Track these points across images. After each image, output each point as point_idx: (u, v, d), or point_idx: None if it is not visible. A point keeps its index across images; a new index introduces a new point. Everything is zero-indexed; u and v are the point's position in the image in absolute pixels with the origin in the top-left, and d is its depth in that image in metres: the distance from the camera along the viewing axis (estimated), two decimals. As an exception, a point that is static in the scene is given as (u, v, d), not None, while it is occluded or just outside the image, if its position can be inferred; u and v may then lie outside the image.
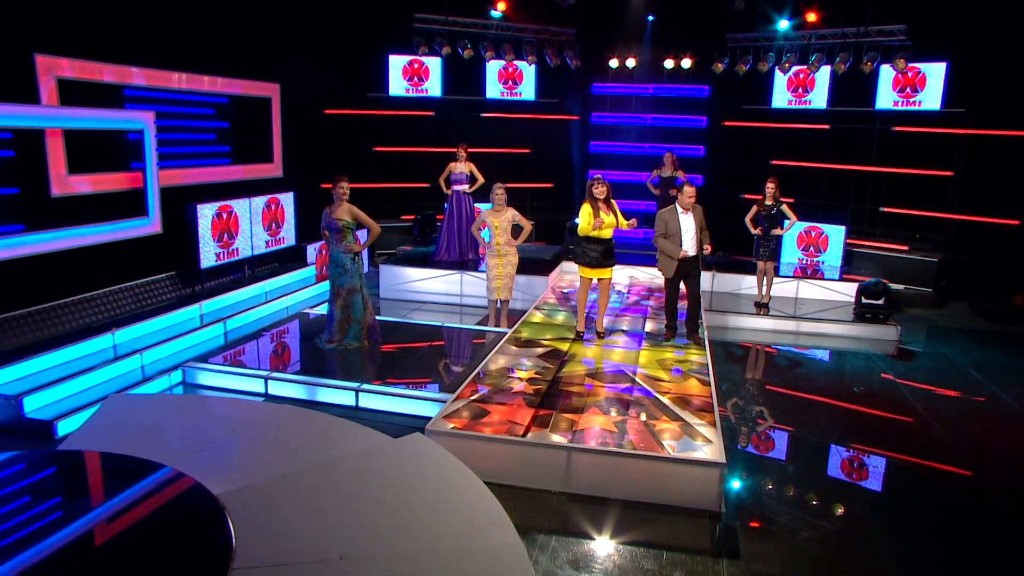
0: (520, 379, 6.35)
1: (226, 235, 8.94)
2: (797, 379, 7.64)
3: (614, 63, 13.59)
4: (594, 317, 7.77)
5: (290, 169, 11.07)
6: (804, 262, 11.70)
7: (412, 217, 12.76)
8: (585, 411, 5.62)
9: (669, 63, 13.31)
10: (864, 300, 9.11)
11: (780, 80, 12.73)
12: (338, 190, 7.05)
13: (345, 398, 6.29)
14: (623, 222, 7.35)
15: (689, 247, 7.32)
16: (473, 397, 5.84)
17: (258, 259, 9.81)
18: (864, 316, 9.06)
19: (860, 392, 7.20)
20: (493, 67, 13.74)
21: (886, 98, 11.69)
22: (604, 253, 7.29)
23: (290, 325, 8.24)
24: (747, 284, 10.35)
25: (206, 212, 8.59)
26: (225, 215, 8.89)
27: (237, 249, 9.21)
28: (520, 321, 8.23)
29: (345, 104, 12.88)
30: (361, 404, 6.25)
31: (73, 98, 7.21)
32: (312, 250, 10.62)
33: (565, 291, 9.89)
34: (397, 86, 13.40)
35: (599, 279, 7.46)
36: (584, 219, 7.21)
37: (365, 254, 11.81)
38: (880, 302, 9.01)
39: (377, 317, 7.70)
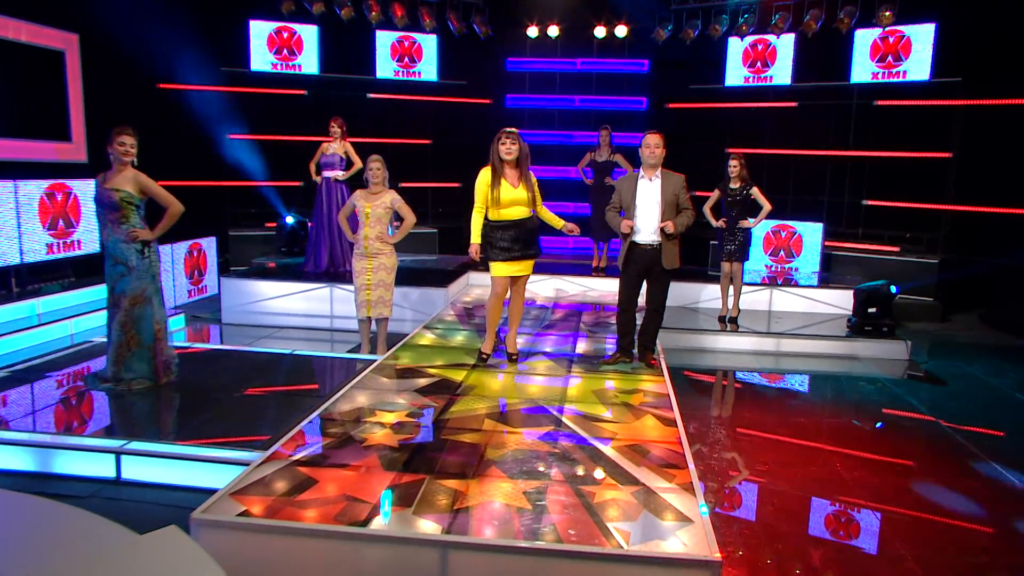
0: (382, 425, 4.36)
1: (-31, 231, 6.71)
2: (797, 415, 5.91)
3: (533, 32, 12.15)
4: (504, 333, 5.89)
5: (100, 153, 8.84)
6: (773, 269, 10.17)
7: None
8: (478, 474, 3.67)
9: (600, 31, 11.91)
10: (870, 308, 7.63)
11: (735, 53, 11.47)
12: (116, 147, 5.11)
13: (100, 466, 4.35)
14: (552, 217, 5.53)
15: (646, 229, 5.48)
16: (295, 457, 3.83)
17: (33, 269, 7.60)
18: (881, 329, 7.52)
19: (884, 432, 5.52)
20: (385, 40, 12.13)
21: (863, 69, 10.53)
22: (520, 240, 5.40)
23: (68, 359, 6.03)
24: (708, 295, 8.71)
25: (-73, 193, 6.35)
26: (-33, 202, 6.67)
27: (-7, 253, 6.97)
28: (399, 344, 6.26)
29: (189, 78, 10.83)
30: (125, 475, 4.34)
31: None
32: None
33: (469, 307, 7.97)
34: (261, 60, 11.67)
35: (515, 278, 5.56)
36: (479, 191, 5.34)
37: (216, 263, 9.79)
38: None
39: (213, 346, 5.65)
